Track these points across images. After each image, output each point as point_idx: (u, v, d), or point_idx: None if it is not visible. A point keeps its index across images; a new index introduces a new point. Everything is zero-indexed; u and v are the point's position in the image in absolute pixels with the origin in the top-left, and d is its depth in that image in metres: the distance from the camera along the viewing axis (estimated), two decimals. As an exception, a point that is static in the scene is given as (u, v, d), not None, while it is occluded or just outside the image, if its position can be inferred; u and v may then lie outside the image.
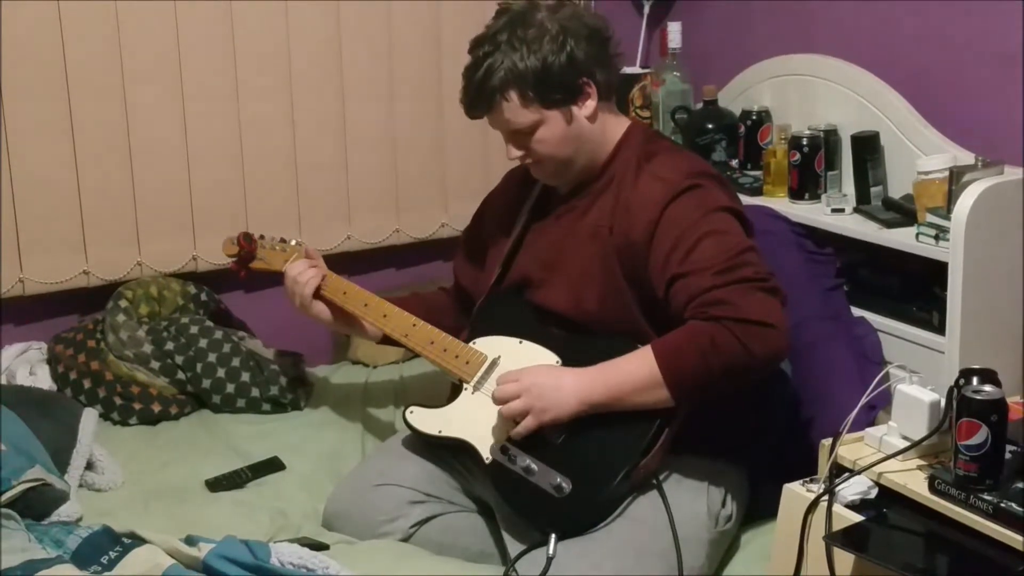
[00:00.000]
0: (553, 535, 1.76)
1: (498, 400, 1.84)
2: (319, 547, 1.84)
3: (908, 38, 2.38)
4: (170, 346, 2.44)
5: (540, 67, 1.86)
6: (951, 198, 2.04)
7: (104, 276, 2.58)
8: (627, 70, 2.83)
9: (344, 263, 2.62)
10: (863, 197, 2.34)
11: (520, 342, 1.96)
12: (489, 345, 1.98)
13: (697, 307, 1.75)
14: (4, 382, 2.39)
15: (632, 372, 1.78)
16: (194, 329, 2.47)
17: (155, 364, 2.43)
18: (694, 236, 1.79)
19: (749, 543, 1.96)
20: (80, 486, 2.10)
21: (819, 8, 2.59)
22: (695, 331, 1.74)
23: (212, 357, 2.44)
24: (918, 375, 1.72)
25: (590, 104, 1.91)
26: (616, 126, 1.97)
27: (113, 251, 2.58)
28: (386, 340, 2.16)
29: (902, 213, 2.21)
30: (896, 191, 2.32)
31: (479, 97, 1.91)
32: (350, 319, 2.16)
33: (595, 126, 1.93)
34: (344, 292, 2.14)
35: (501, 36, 1.88)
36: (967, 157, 2.14)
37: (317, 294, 2.14)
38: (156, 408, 2.41)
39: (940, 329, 2.06)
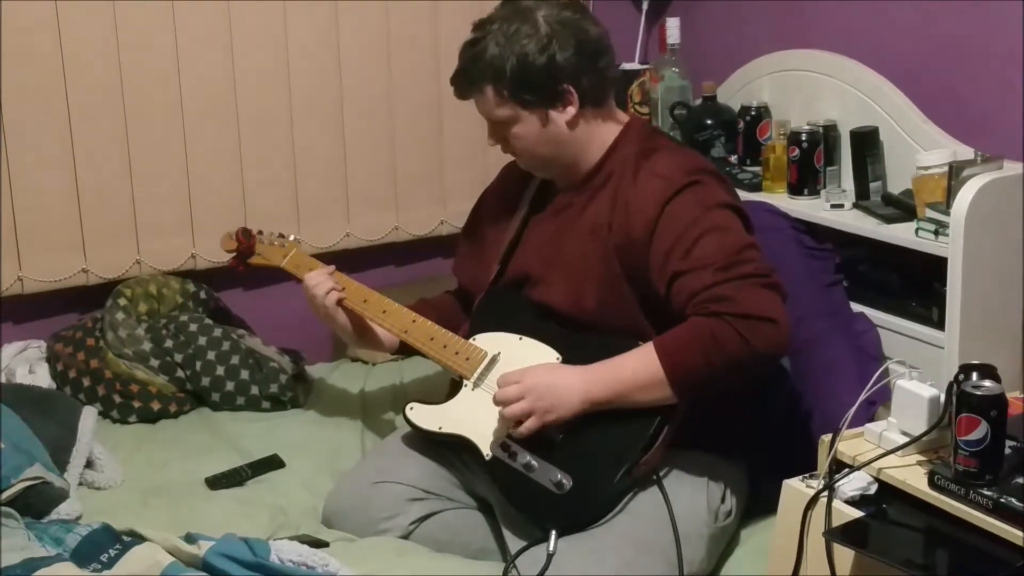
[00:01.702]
0: (554, 531, 1.76)
1: (499, 402, 1.83)
2: (319, 544, 1.84)
3: (907, 33, 2.38)
4: (169, 344, 2.44)
5: (517, 66, 1.86)
6: (950, 193, 2.04)
7: (103, 274, 2.58)
8: (626, 66, 2.83)
9: (343, 260, 2.62)
10: (862, 192, 2.33)
11: (520, 338, 1.96)
12: (489, 341, 1.98)
13: (699, 304, 1.75)
14: (3, 380, 2.39)
15: (634, 370, 1.78)
16: (193, 327, 2.47)
17: (154, 362, 2.43)
18: (695, 233, 1.79)
19: (749, 539, 1.96)
20: (80, 484, 2.10)
21: (818, 4, 2.59)
22: (697, 327, 1.74)
23: (211, 355, 2.44)
24: (917, 371, 1.72)
25: (570, 111, 1.90)
26: (611, 125, 1.96)
27: (112, 249, 2.58)
28: (402, 349, 2.15)
29: (901, 208, 2.21)
30: (895, 186, 2.32)
31: (460, 81, 1.94)
32: (366, 332, 2.15)
33: (576, 132, 1.92)
34: (342, 288, 2.13)
35: (493, 25, 1.89)
36: (966, 152, 2.14)
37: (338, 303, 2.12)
38: (155, 406, 2.41)
39: (939, 324, 2.06)
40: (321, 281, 2.11)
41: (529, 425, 1.81)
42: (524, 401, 1.80)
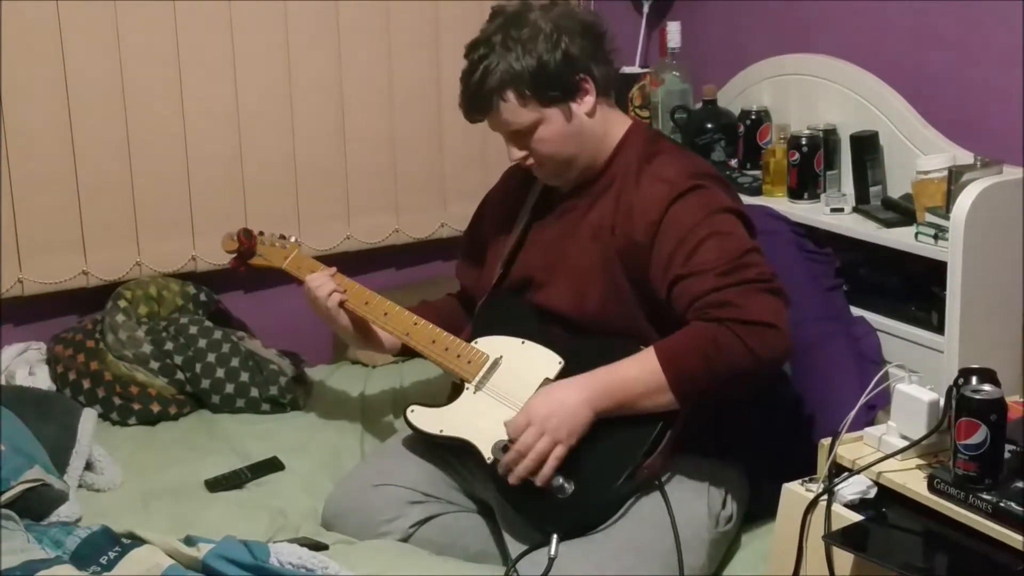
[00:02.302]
0: (555, 535, 1.76)
1: (522, 450, 1.79)
2: (318, 547, 1.84)
3: (907, 37, 2.39)
4: (169, 346, 2.44)
5: (536, 66, 1.86)
6: (950, 198, 2.05)
7: (103, 276, 2.58)
8: (626, 69, 2.83)
9: (343, 263, 2.61)
10: (862, 197, 2.34)
11: (522, 342, 1.95)
12: (491, 345, 1.98)
13: (700, 308, 1.74)
14: (3, 382, 2.39)
15: (636, 377, 1.77)
16: (193, 329, 2.47)
17: (154, 364, 2.43)
18: (697, 237, 1.79)
19: (749, 543, 1.96)
20: (79, 486, 2.10)
21: (818, 8, 2.59)
22: (698, 333, 1.74)
23: (211, 357, 2.44)
24: (917, 375, 1.72)
25: (589, 100, 1.90)
26: (617, 123, 1.96)
27: (112, 251, 2.58)
28: (404, 350, 2.14)
29: (901, 213, 2.21)
30: (895, 191, 2.32)
31: (477, 100, 1.90)
32: (369, 333, 2.16)
33: (595, 122, 1.92)
34: (344, 290, 2.13)
35: (496, 38, 1.88)
36: (966, 156, 2.14)
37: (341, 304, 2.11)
38: (155, 408, 2.41)
39: (939, 329, 2.06)
40: (323, 283, 2.11)
41: (558, 454, 1.78)
42: (545, 437, 1.77)
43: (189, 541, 1.75)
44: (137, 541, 1.75)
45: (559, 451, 1.78)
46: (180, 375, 2.44)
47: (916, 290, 2.16)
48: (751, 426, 1.98)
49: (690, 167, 1.89)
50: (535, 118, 1.89)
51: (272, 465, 2.21)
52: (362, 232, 2.85)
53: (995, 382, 1.58)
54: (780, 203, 2.41)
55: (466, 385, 1.96)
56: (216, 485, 2.13)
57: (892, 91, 2.34)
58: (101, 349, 2.44)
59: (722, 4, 2.87)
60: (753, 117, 2.62)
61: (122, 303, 2.47)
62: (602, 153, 1.95)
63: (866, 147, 2.33)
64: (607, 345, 1.85)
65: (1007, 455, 1.56)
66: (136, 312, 2.48)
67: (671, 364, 1.74)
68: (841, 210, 2.31)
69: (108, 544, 1.74)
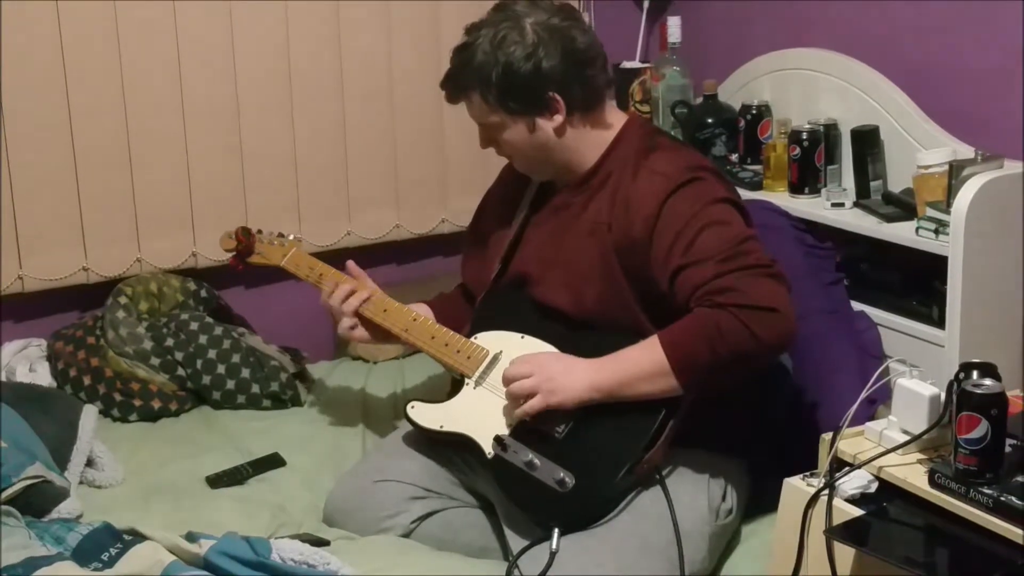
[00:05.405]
0: (556, 529, 1.76)
1: (508, 379, 1.84)
2: (320, 543, 1.85)
3: (908, 32, 2.38)
4: (170, 342, 2.44)
5: (503, 74, 1.86)
6: (951, 192, 2.04)
7: (104, 273, 2.58)
8: (627, 65, 2.83)
9: (344, 259, 2.61)
10: (863, 191, 2.34)
11: (522, 337, 1.96)
12: (491, 340, 1.98)
13: (702, 296, 1.75)
14: (4, 379, 2.39)
15: (639, 360, 1.78)
16: (194, 325, 2.47)
17: (155, 360, 2.43)
18: (695, 228, 1.79)
19: (750, 537, 1.96)
20: (80, 483, 2.10)
21: (818, 2, 2.59)
22: (700, 319, 1.74)
23: (212, 353, 2.44)
24: (918, 369, 1.73)
25: (557, 119, 1.90)
26: (601, 133, 1.95)
27: (113, 248, 2.58)
28: None
29: (902, 207, 2.21)
30: (896, 185, 2.32)
31: (449, 86, 1.95)
32: (383, 330, 2.16)
33: (565, 139, 1.91)
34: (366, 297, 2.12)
35: (484, 30, 1.89)
36: (967, 151, 2.14)
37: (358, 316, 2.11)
38: (156, 404, 2.41)
39: (940, 323, 2.06)
40: (340, 300, 2.09)
41: (533, 404, 1.81)
42: (531, 379, 1.81)
43: (191, 537, 1.75)
44: (139, 537, 1.75)
45: (536, 401, 1.80)
46: (181, 371, 2.44)
47: (917, 285, 2.16)
48: (752, 420, 1.99)
49: (686, 161, 1.90)
50: (498, 121, 1.91)
51: (273, 461, 2.21)
52: (363, 228, 2.85)
53: (996, 376, 1.58)
54: (781, 198, 2.41)
55: (466, 380, 1.97)
56: (217, 481, 2.13)
57: (893, 85, 2.34)
58: (102, 345, 2.44)
59: (722, -1, 2.87)
60: (754, 112, 2.61)
61: (123, 299, 2.47)
62: (581, 160, 1.94)
63: (867, 142, 2.33)
64: (605, 340, 1.85)
65: (1008, 449, 1.56)
66: (137, 308, 2.49)
67: (674, 349, 1.75)
68: (842, 205, 2.31)
69: (110, 541, 1.74)
